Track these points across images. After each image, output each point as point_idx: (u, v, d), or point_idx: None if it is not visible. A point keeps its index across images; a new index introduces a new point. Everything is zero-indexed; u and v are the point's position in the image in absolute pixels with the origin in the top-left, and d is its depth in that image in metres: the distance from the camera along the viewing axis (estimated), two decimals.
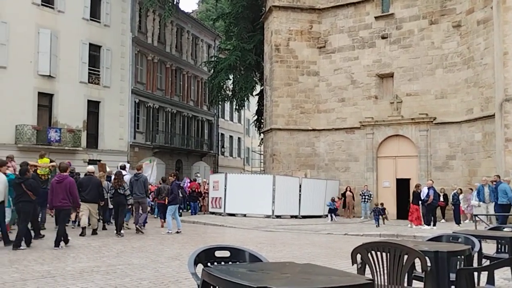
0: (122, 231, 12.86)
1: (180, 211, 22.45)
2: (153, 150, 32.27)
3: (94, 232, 12.78)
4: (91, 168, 13.90)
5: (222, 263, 4.01)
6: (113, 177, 14.03)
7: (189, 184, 24.49)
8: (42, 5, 25.64)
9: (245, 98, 32.32)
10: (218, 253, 4.02)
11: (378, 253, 4.01)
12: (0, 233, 10.21)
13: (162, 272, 7.52)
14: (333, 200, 21.55)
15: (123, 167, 15.69)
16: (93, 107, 28.28)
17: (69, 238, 10.46)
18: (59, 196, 10.16)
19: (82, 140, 27.00)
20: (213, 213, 22.56)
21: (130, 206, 14.12)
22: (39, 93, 25.40)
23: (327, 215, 21.61)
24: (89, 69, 27.87)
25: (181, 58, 36.87)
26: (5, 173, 10.45)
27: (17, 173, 10.87)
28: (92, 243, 11.05)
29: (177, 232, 13.80)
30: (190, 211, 23.82)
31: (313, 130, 25.38)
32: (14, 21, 24.14)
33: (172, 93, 35.54)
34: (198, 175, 31.64)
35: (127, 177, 14.57)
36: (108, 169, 16.17)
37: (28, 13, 24.81)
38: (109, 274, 7.18)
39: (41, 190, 11.12)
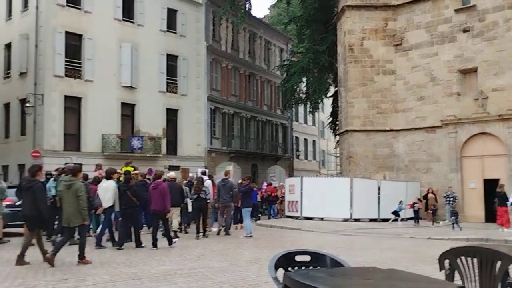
0: (204, 233, 13.59)
1: (259, 215, 22.69)
2: (229, 155, 32.86)
3: (175, 235, 13.24)
4: (172, 174, 14.45)
5: (303, 267, 3.97)
6: (195, 182, 14.67)
7: (265, 188, 24.66)
8: (123, 20, 27.05)
9: (319, 101, 32.06)
10: (298, 258, 3.97)
11: (468, 258, 3.76)
12: (108, 235, 11.33)
13: (242, 276, 7.59)
14: (413, 203, 20.74)
15: (204, 173, 16.37)
16: (171, 115, 29.36)
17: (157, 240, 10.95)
18: (156, 201, 10.99)
19: (162, 147, 28.10)
20: (289, 216, 22.51)
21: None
22: (122, 103, 26.78)
23: (396, 219, 20.67)
24: (167, 78, 28.99)
25: (254, 63, 37.32)
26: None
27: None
28: (174, 246, 11.41)
29: (248, 236, 13.80)
30: (267, 215, 23.98)
31: (391, 130, 24.61)
32: (98, 37, 25.66)
33: (246, 98, 36.04)
34: (274, 178, 31.78)
35: (208, 182, 15.18)
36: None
37: (111, 29, 26.26)
38: (191, 277, 7.36)
39: None
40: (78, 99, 25.15)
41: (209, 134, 31.39)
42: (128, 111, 27.31)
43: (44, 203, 8.72)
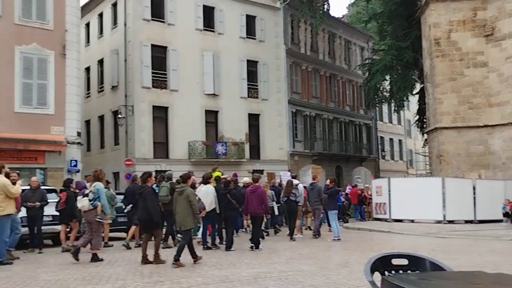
0: (294, 236, 13.84)
1: (346, 217, 22.26)
2: (312, 157, 32.63)
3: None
4: (246, 180, 14.64)
5: (400, 271, 3.78)
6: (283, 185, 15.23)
7: (350, 190, 24.17)
8: (204, 30, 27.87)
9: (404, 98, 30.92)
10: (395, 261, 3.79)
11: None
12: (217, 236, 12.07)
13: (332, 280, 7.45)
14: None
15: (294, 176, 16.89)
16: (253, 120, 29.73)
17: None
18: (254, 204, 11.42)
19: (245, 152, 28.52)
20: (377, 219, 21.88)
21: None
22: (206, 111, 27.55)
23: (501, 220, 19.41)
24: (248, 84, 29.43)
25: (335, 64, 36.82)
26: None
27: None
28: (262, 249, 11.49)
29: (336, 240, 13.59)
30: (354, 217, 23.48)
31: (485, 126, 23.10)
32: (182, 48, 26.64)
33: (328, 100, 35.63)
34: (359, 180, 31.06)
35: (301, 186, 15.63)
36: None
37: (193, 39, 27.16)
38: (281, 280, 7.34)
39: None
40: (165, 109, 26.25)
41: (291, 137, 31.40)
42: (211, 118, 28.04)
43: (154, 206, 9.30)
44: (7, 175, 9.92)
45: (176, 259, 8.75)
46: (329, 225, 15.49)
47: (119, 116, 24.84)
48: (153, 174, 10.67)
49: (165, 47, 26.43)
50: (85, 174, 24.77)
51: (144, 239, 9.46)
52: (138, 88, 25.29)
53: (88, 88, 29.61)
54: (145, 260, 9.07)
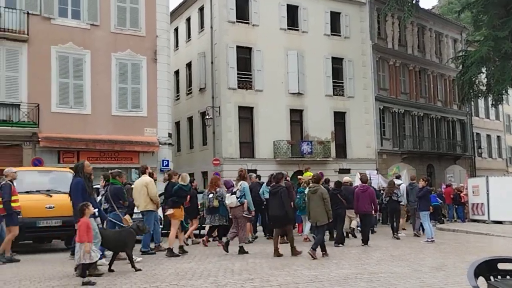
0: (395, 234, 14.11)
1: (443, 218, 21.19)
2: (401, 156, 31.45)
3: (347, 235, 13.60)
4: (347, 179, 14.58)
5: (507, 276, 3.50)
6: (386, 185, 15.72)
7: (444, 190, 22.98)
8: (288, 29, 27.89)
9: (503, 92, 28.78)
10: (501, 265, 3.51)
11: None
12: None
13: (428, 283, 7.08)
14: None
15: (398, 177, 17.16)
16: (339, 118, 29.26)
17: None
18: (364, 203, 12.27)
19: (331, 150, 28.14)
20: (474, 220, 20.58)
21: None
22: (291, 110, 27.56)
23: None
24: (333, 82, 29.01)
25: (424, 58, 35.21)
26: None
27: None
28: (352, 249, 11.23)
29: (430, 241, 12.95)
30: (449, 218, 22.31)
31: None
32: (266, 48, 26.87)
33: (417, 95, 34.16)
34: (452, 179, 29.47)
35: (403, 186, 15.71)
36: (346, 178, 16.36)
37: (277, 39, 27.27)
38: (373, 282, 7.10)
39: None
40: (250, 109, 26.62)
41: (379, 135, 30.49)
42: (296, 117, 27.99)
43: (289, 204, 10.25)
44: (151, 175, 11.14)
45: (323, 249, 9.89)
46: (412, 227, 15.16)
47: (207, 117, 25.57)
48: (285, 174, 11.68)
49: (250, 48, 26.80)
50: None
51: (275, 233, 10.32)
52: (224, 89, 25.88)
53: (178, 90, 30.81)
54: (277, 253, 9.94)
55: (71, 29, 20.03)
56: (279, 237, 10.40)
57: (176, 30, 31.14)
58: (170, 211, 10.48)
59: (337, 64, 29.42)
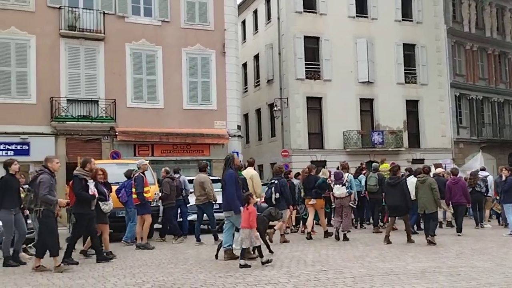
0: (479, 225, 14.07)
1: None
2: (480, 144, 29.79)
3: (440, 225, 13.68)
4: (439, 170, 14.70)
5: None
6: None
7: None
8: (357, 16, 27.22)
9: None
10: None
11: None
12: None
13: None
14: None
15: (484, 169, 16.55)
16: (412, 106, 28.24)
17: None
18: (457, 194, 12.46)
19: (404, 140, 27.25)
20: None
21: None
22: (360, 99, 26.95)
23: None
24: (404, 69, 28.01)
25: (504, 41, 33.06)
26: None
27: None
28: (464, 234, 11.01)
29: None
30: None
31: None
32: (334, 37, 26.40)
33: (497, 81, 32.19)
34: None
35: (490, 178, 15.40)
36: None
37: (346, 27, 26.71)
38: (453, 276, 6.78)
39: None
40: (319, 99, 26.31)
41: (455, 123, 29.10)
42: (367, 106, 27.34)
43: (409, 195, 10.79)
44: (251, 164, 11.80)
45: (432, 235, 10.29)
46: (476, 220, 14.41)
47: (275, 108, 25.59)
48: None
49: (318, 38, 26.45)
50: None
51: (390, 222, 11.13)
52: (292, 80, 25.76)
53: (246, 83, 31.06)
54: (387, 240, 10.46)
55: (143, 26, 20.75)
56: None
57: (244, 22, 31.36)
58: (313, 201, 11.74)
59: (409, 50, 28.34)
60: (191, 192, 12.43)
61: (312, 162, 23.21)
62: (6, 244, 8.57)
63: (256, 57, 29.86)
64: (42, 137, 18.83)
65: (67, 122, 19.18)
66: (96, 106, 19.80)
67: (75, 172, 8.71)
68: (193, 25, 21.56)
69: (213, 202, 11.33)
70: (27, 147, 18.58)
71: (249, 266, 7.59)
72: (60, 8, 19.31)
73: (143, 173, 11.03)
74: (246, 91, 30.91)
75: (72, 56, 19.57)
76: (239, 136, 22.64)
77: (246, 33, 31.41)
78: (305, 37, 26.08)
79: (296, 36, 25.87)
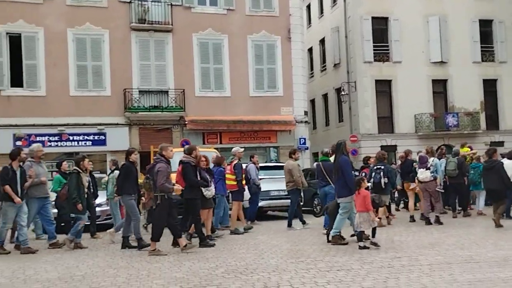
0: None
1: None
2: None
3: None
4: None
5: None
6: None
7: None
8: None
9: None
10: None
11: None
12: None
13: None
14: None
15: None
16: (489, 86, 26.70)
17: None
18: None
19: (480, 122, 25.88)
20: None
21: None
22: (433, 80, 25.84)
23: None
24: (481, 47, 26.49)
25: None
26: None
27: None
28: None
29: None
30: None
31: None
32: (404, 16, 25.40)
33: None
34: None
35: None
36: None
37: (416, 5, 25.60)
38: None
39: None
40: (388, 82, 25.53)
41: None
42: (439, 87, 26.19)
43: (507, 178, 10.54)
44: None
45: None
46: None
47: (342, 93, 25.15)
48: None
49: (386, 18, 25.60)
50: (313, 152, 25.96)
51: (494, 207, 10.64)
52: (360, 64, 25.15)
53: (311, 68, 30.72)
54: (498, 224, 10.19)
55: (209, 15, 21.02)
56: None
57: (308, 6, 30.93)
58: (413, 185, 11.90)
59: (485, 27, 26.72)
60: (260, 179, 12.53)
61: (382, 147, 22.69)
62: (136, 226, 8.99)
63: (322, 41, 29.41)
64: (117, 127, 19.70)
65: (140, 113, 19.92)
66: (166, 96, 20.38)
67: (184, 159, 8.93)
68: (258, 12, 21.55)
69: (301, 189, 11.33)
70: (103, 138, 19.51)
71: (368, 248, 7.79)
72: (130, 2, 19.98)
73: (239, 160, 11.34)
74: (312, 76, 30.57)
75: (142, 49, 20.23)
76: (306, 122, 22.48)
77: (311, 17, 30.98)
78: (373, 18, 25.31)
79: (363, 17, 25.16)
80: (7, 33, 18.76)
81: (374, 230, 8.10)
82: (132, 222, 9.05)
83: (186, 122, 20.32)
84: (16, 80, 18.93)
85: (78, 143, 19.31)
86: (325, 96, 29.30)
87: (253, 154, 12.84)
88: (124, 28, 20.04)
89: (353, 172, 9.94)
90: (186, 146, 9.83)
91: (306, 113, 22.63)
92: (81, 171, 9.36)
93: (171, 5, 20.43)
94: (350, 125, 25.74)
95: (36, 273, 6.86)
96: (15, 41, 18.95)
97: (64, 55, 19.34)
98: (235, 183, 11.07)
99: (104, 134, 19.54)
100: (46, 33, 19.15)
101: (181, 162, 9.10)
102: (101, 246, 9.60)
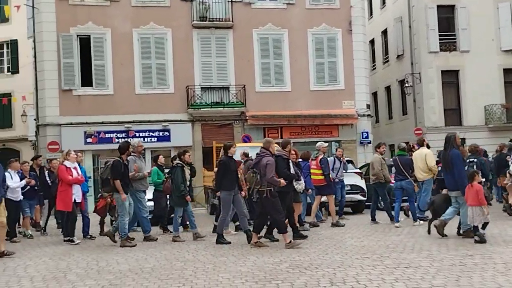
0: None
1: None
2: None
3: None
4: None
5: None
6: None
7: None
8: None
9: None
10: None
11: None
12: None
13: None
14: None
15: None
16: None
17: None
18: None
19: None
20: None
21: None
22: (504, 69, 24.46)
23: None
24: None
25: None
26: None
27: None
28: None
29: None
30: None
31: None
32: (472, 3, 24.17)
33: None
34: None
35: None
36: None
37: None
38: None
39: None
40: (455, 72, 24.46)
41: None
42: (511, 77, 24.76)
43: None
44: (428, 146, 11.43)
45: None
46: None
47: (406, 85, 24.37)
48: None
49: (453, 6, 24.50)
50: (375, 146, 25.28)
51: None
52: (424, 54, 24.26)
53: (373, 60, 29.97)
54: None
55: (269, 11, 21.02)
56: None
57: None
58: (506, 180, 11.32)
59: None
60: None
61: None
62: (222, 221, 9.07)
63: (384, 32, 28.61)
64: (181, 124, 20.18)
65: (202, 109, 20.31)
66: (227, 92, 20.63)
67: (277, 152, 8.89)
68: (318, 5, 21.31)
69: (384, 182, 11.16)
70: (167, 134, 20.07)
71: (485, 242, 7.60)
72: (191, 0, 20.37)
73: (324, 154, 11.41)
74: (374, 68, 29.85)
75: (204, 46, 20.58)
76: (368, 115, 22.03)
77: (373, 8, 30.20)
78: (438, 7, 24.28)
79: (428, 6, 24.20)
80: (77, 36, 19.68)
81: (485, 224, 7.90)
82: (220, 218, 9.10)
83: (247, 118, 20.48)
84: (86, 80, 19.84)
85: (144, 140, 19.89)
86: (387, 89, 28.52)
87: (337, 148, 12.74)
88: (186, 26, 20.46)
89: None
90: (282, 140, 9.84)
91: (368, 106, 22.17)
92: (184, 164, 9.60)
93: (232, 1, 20.61)
94: (415, 118, 24.91)
95: (108, 265, 7.18)
96: (84, 43, 19.85)
97: (130, 54, 20.04)
98: (321, 177, 11.09)
99: (168, 131, 20.07)
100: (113, 34, 19.92)
101: (273, 155, 8.99)
102: (167, 239, 9.87)
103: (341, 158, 12.14)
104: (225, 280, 5.82)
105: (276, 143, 9.35)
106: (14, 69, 28.53)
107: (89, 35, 19.80)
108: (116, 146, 10.33)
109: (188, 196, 9.50)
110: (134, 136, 19.88)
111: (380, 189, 11.24)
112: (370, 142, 21.56)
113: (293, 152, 9.63)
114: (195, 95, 20.27)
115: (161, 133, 20.10)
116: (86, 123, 19.50)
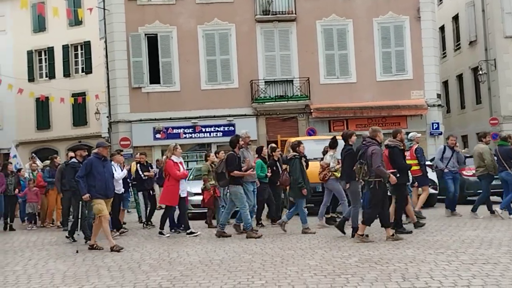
0: None
1: None
2: None
3: None
4: None
5: None
6: None
7: None
8: None
9: None
10: None
11: None
12: None
13: None
14: None
15: None
16: None
17: None
18: None
19: None
20: None
21: None
22: None
23: None
24: None
25: None
26: None
27: None
28: None
29: None
30: None
31: None
32: None
33: None
34: None
35: None
36: None
37: None
38: None
39: None
40: None
41: None
42: None
43: None
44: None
45: None
46: None
47: (480, 72, 23.14)
48: None
49: None
50: (446, 136, 24.21)
51: None
52: (500, 39, 22.90)
53: (444, 47, 28.67)
54: None
55: (333, 1, 20.66)
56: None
57: None
58: None
59: None
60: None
61: None
62: (355, 214, 8.58)
63: (455, 18, 27.26)
64: (245, 118, 20.34)
65: (266, 103, 20.36)
66: (291, 86, 20.54)
67: (390, 143, 8.65)
68: None
69: (493, 174, 10.58)
70: (232, 128, 20.27)
71: None
72: None
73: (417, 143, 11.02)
74: (445, 56, 28.54)
75: (267, 40, 20.59)
76: (439, 105, 21.14)
77: None
78: None
79: None
80: (145, 34, 20.34)
81: None
82: (352, 209, 8.71)
83: (312, 111, 20.28)
84: (154, 77, 20.48)
85: (210, 135, 20.36)
86: (459, 77, 27.20)
87: (448, 136, 12.19)
88: (249, 21, 20.55)
89: None
90: (394, 130, 9.30)
91: (439, 96, 21.26)
92: (300, 156, 9.47)
93: None
94: (490, 107, 23.60)
95: (179, 256, 7.36)
96: (152, 41, 20.48)
97: (195, 51, 20.44)
98: (417, 167, 10.58)
99: (233, 125, 20.29)
100: (179, 31, 20.40)
101: (387, 146, 8.72)
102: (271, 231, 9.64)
103: (454, 147, 11.33)
104: (293, 273, 5.79)
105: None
106: (87, 69, 29.99)
107: (156, 33, 20.40)
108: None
109: (305, 189, 9.17)
110: (201, 132, 20.31)
111: (486, 181, 10.54)
112: (441, 133, 20.70)
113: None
114: (259, 89, 20.34)
115: (226, 128, 20.36)
116: (155, 119, 20.14)
